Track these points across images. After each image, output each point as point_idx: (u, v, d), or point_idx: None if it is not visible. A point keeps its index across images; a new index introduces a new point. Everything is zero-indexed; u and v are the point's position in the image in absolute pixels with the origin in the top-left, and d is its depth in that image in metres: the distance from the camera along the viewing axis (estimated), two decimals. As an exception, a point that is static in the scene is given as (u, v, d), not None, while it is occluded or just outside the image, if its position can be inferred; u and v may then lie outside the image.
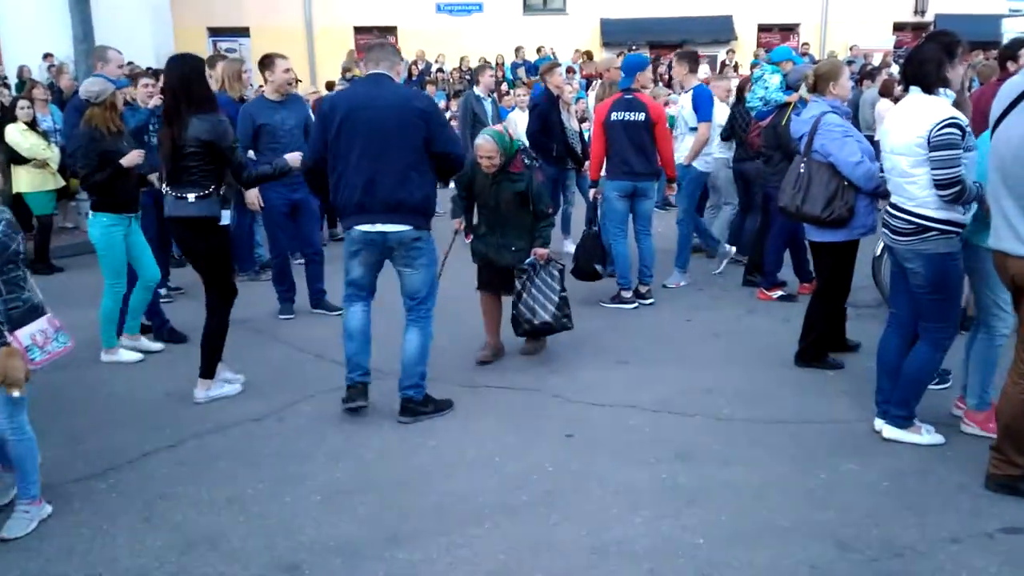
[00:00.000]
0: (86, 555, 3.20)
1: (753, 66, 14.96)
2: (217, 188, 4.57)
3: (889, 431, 4.02)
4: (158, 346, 5.60)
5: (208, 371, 4.71)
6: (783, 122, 6.18)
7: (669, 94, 11.55)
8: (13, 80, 14.70)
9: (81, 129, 5.13)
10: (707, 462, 3.86)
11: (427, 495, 3.61)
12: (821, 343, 5.05)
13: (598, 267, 6.37)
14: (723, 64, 19.24)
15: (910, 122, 3.73)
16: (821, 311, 4.99)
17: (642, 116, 6.21)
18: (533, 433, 4.21)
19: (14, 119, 8.37)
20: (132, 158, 5.13)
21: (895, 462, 3.82)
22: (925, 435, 3.98)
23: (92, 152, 5.06)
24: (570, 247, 7.78)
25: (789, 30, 22.77)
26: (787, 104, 6.25)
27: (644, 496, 3.56)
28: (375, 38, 20.96)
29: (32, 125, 8.45)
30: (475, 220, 5.32)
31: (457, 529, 3.33)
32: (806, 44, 21.03)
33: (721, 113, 7.92)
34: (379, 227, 4.16)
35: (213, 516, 3.46)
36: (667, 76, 17.98)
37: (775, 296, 6.51)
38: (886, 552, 3.12)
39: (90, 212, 5.26)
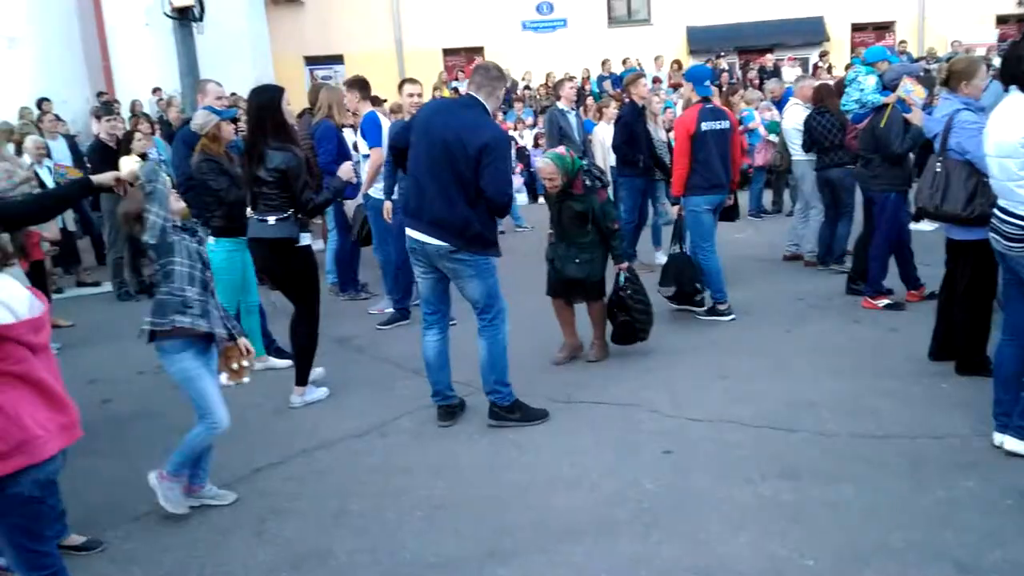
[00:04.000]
0: (202, 569, 3.34)
1: (848, 67, 14.46)
2: (296, 212, 4.76)
3: (1012, 444, 3.80)
4: (286, 363, 5.64)
5: (302, 379, 5.03)
6: (881, 124, 5.98)
7: (762, 99, 11.36)
8: (127, 114, 15.57)
9: (196, 159, 5.28)
10: (813, 479, 3.74)
11: (525, 511, 3.62)
12: (980, 348, 4.78)
13: (695, 287, 6.23)
14: (816, 67, 18.65)
15: (1013, 123, 3.55)
16: (970, 314, 4.74)
17: (727, 124, 6.21)
18: (630, 449, 4.17)
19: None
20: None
21: (1018, 479, 3.61)
22: (1052, 449, 3.76)
23: (215, 177, 5.17)
24: (661, 259, 7.69)
25: (884, 28, 21.92)
26: (884, 105, 6.05)
27: (748, 515, 3.47)
28: (463, 59, 21.48)
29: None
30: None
31: (556, 547, 3.32)
32: (903, 42, 20.15)
33: (798, 117, 7.70)
34: (418, 236, 4.35)
35: (321, 531, 3.57)
36: (758, 81, 17.66)
37: (881, 305, 6.26)
38: (1010, 575, 2.96)
39: (211, 238, 5.37)
